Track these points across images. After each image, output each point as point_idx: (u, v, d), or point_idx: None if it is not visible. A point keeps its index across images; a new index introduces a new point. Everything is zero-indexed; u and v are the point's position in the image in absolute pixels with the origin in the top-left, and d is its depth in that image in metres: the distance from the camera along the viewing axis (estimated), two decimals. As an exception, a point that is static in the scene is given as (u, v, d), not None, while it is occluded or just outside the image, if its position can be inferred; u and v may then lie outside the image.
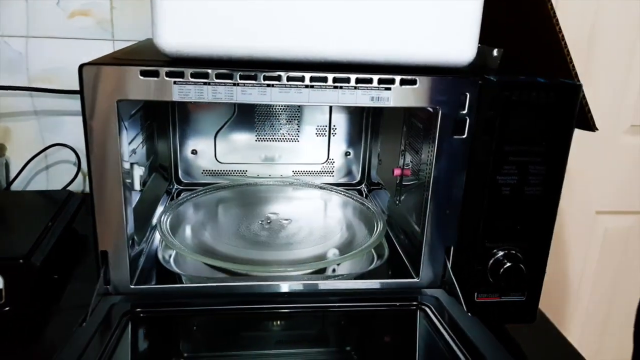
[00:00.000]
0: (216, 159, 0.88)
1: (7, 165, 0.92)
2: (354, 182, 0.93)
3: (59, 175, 0.95)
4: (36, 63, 0.90)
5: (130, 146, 0.65)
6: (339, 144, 0.91)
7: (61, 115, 0.92)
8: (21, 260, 0.62)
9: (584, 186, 1.15)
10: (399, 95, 0.55)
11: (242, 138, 0.88)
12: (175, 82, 0.52)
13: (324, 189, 0.86)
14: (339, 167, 0.92)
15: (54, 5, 0.88)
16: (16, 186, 0.93)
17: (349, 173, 0.93)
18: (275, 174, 0.90)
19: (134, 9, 0.90)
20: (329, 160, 0.91)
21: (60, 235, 0.73)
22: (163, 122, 0.84)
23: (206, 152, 0.88)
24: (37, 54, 0.90)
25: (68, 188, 0.92)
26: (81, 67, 0.51)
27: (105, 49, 0.90)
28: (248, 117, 0.87)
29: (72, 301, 0.63)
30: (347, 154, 0.92)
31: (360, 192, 0.91)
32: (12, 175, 0.92)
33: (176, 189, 0.88)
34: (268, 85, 0.53)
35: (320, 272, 0.64)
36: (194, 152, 0.88)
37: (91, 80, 0.51)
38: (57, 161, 0.95)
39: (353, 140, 0.91)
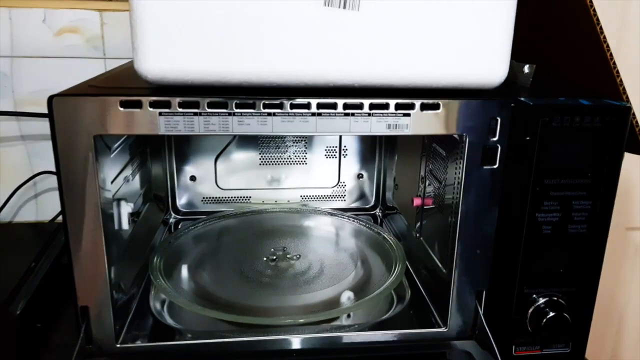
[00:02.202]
0: (217, 185, 0.81)
1: (-7, 195, 0.86)
2: (367, 206, 0.86)
3: (49, 204, 0.88)
4: (22, 85, 0.84)
5: (117, 179, 0.58)
6: (351, 165, 0.83)
7: (50, 140, 0.86)
8: (-3, 310, 0.55)
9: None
10: (420, 122, 0.48)
11: (245, 161, 0.81)
12: (161, 114, 0.45)
13: (335, 215, 0.79)
14: (351, 191, 0.85)
15: (40, 23, 0.81)
16: (3, 217, 0.86)
17: (361, 197, 0.85)
18: (282, 200, 0.83)
19: (127, 24, 0.83)
20: (340, 184, 0.84)
21: (45, 275, 0.67)
22: (158, 146, 0.77)
23: (206, 178, 0.81)
24: (23, 75, 0.83)
25: (58, 218, 0.85)
26: (50, 99, 0.44)
27: (97, 68, 0.83)
28: (251, 138, 0.80)
29: (56, 356, 0.56)
30: (359, 176, 0.84)
31: (374, 217, 0.84)
32: None
33: (174, 218, 0.81)
34: (269, 114, 0.46)
35: (333, 319, 0.57)
36: (193, 178, 0.81)
37: (63, 113, 0.44)
38: (47, 189, 0.88)
39: (366, 161, 0.84)
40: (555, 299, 0.51)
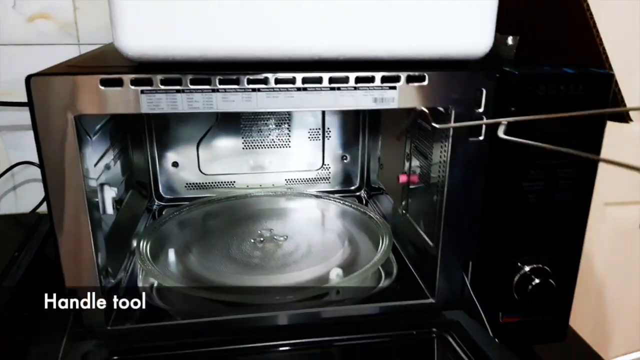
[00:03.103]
0: (200, 170, 0.81)
1: (-31, 188, 0.84)
2: (352, 188, 0.86)
3: (28, 195, 0.86)
4: (-5, 74, 0.81)
5: (99, 165, 0.57)
6: (335, 147, 0.83)
7: (26, 130, 0.84)
8: (-17, 301, 0.54)
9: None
10: (406, 95, 0.48)
11: (228, 146, 0.80)
12: (142, 92, 0.44)
13: (320, 197, 0.79)
14: (336, 173, 0.85)
15: (10, 9, 0.79)
16: (-19, 210, 0.84)
17: (346, 179, 0.85)
18: (266, 184, 0.83)
19: (100, 9, 0.81)
20: (325, 166, 0.84)
21: (29, 265, 0.66)
22: (138, 132, 0.76)
23: (189, 163, 0.80)
24: (-5, 63, 0.81)
25: (38, 209, 0.84)
26: (28, 79, 0.43)
27: (71, 54, 0.81)
28: (233, 122, 0.79)
29: (45, 343, 0.55)
30: (343, 157, 0.84)
31: (359, 199, 0.84)
32: (-24, 198, 0.84)
33: (157, 205, 0.80)
34: (253, 90, 0.45)
35: (322, 295, 0.57)
36: (175, 164, 0.80)
37: (42, 94, 0.43)
38: (25, 180, 0.86)
39: (350, 142, 0.83)
40: (541, 265, 0.51)
